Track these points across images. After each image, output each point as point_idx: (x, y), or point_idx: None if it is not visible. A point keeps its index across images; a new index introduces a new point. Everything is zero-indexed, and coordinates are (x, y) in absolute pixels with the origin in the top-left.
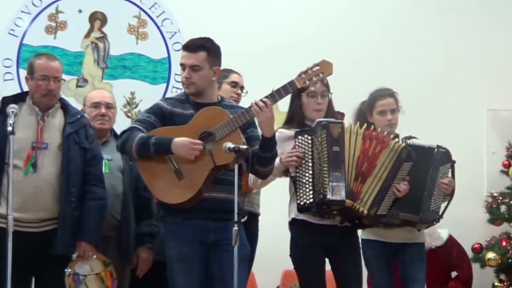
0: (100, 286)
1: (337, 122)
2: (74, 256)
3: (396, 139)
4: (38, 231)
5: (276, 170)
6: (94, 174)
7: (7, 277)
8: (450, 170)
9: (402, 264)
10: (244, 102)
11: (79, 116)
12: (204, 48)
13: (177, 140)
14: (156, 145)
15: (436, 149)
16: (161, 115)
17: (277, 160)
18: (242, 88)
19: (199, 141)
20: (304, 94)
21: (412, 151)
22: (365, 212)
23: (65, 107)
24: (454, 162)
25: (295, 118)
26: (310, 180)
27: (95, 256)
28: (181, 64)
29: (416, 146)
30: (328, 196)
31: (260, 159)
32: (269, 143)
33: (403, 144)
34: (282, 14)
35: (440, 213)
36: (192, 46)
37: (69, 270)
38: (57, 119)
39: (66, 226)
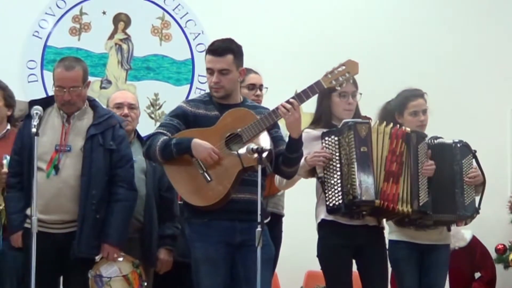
0: None
1: (363, 122)
2: (98, 258)
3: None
4: (62, 232)
5: (301, 170)
6: (120, 175)
7: (31, 276)
8: (473, 160)
9: (426, 267)
10: (267, 101)
11: (106, 117)
12: (231, 50)
13: (198, 141)
14: (177, 145)
15: (454, 144)
16: (184, 118)
17: (302, 159)
18: (261, 87)
19: (218, 151)
20: (336, 93)
21: (419, 131)
22: (410, 210)
23: (95, 108)
24: (475, 151)
25: (323, 118)
26: (339, 181)
27: (121, 258)
28: (209, 69)
29: (435, 145)
30: (357, 197)
31: (286, 159)
32: (296, 144)
33: (407, 129)
34: (305, 14)
35: (477, 205)
36: (219, 49)
37: (92, 272)
38: (85, 121)
39: (86, 228)
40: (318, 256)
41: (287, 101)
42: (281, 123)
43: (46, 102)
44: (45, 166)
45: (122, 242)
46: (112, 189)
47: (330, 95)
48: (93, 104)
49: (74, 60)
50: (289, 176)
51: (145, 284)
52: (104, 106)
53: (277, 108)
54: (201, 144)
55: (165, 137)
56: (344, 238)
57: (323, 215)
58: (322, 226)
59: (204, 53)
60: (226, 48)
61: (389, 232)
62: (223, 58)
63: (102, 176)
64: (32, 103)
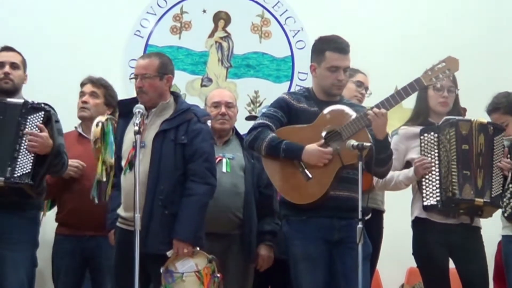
0: (195, 284)
1: (466, 120)
2: (169, 253)
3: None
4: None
5: (408, 181)
6: (192, 169)
7: (135, 274)
8: None
9: None
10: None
11: (180, 112)
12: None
13: (308, 149)
14: (287, 151)
15: None
16: (287, 110)
17: (411, 171)
18: (366, 88)
19: (328, 150)
20: (430, 88)
21: (497, 124)
22: (481, 202)
23: (177, 103)
24: None
25: (421, 115)
26: (437, 178)
27: (196, 253)
28: (336, 67)
29: None
30: (457, 195)
31: (376, 160)
32: (382, 145)
33: (484, 121)
34: (406, 10)
35: None
36: (347, 47)
37: (163, 268)
38: (163, 118)
39: (153, 223)
40: (413, 253)
41: (377, 107)
42: None
43: (134, 102)
44: (124, 163)
45: (195, 237)
46: (185, 183)
47: (426, 89)
48: (176, 100)
49: (155, 53)
50: (382, 175)
51: (217, 279)
52: (203, 105)
53: (365, 114)
54: (310, 151)
55: (273, 135)
56: (439, 236)
57: (416, 212)
58: (416, 223)
59: (304, 50)
60: (348, 45)
61: (502, 227)
62: (348, 55)
63: (172, 171)
64: (121, 102)
